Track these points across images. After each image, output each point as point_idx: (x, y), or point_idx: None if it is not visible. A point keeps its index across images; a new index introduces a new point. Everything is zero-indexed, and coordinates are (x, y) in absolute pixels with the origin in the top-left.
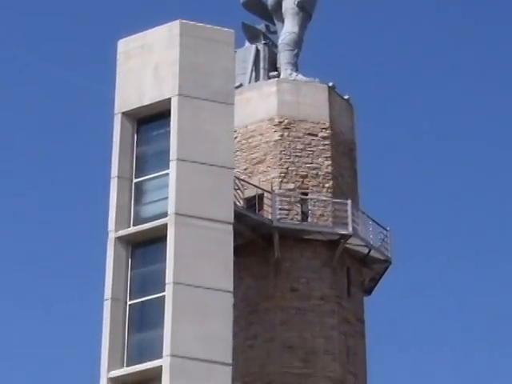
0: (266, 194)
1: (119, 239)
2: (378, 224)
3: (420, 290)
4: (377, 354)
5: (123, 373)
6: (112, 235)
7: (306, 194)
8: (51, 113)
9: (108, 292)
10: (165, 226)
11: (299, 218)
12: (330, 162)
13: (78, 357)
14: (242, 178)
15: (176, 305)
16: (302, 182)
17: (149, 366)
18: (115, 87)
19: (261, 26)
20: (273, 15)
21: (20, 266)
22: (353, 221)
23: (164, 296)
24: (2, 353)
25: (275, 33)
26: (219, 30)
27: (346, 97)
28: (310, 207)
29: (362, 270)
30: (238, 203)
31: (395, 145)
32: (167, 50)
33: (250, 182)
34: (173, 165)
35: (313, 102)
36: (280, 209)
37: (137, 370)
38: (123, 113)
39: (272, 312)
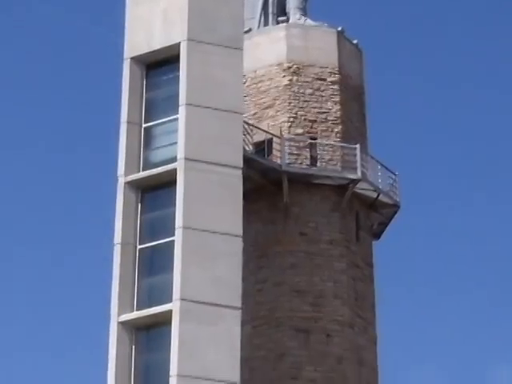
0: (274, 139)
1: (129, 184)
2: (387, 168)
3: (428, 234)
4: (385, 298)
5: (133, 317)
6: (122, 180)
7: (315, 139)
8: (60, 58)
9: (118, 237)
10: (174, 171)
11: (308, 162)
12: (338, 107)
13: (88, 301)
14: (250, 122)
15: (185, 249)
16: (311, 127)
17: (159, 310)
18: (124, 32)
19: None
20: None
21: (30, 211)
22: (362, 165)
23: (173, 240)
24: (13, 298)
25: None
26: None
27: (354, 41)
28: (318, 152)
29: (370, 215)
30: (247, 148)
31: (404, 89)
32: None
33: (259, 126)
34: (182, 110)
35: (321, 46)
36: (289, 153)
37: (147, 313)
38: (132, 58)
39: (281, 256)
